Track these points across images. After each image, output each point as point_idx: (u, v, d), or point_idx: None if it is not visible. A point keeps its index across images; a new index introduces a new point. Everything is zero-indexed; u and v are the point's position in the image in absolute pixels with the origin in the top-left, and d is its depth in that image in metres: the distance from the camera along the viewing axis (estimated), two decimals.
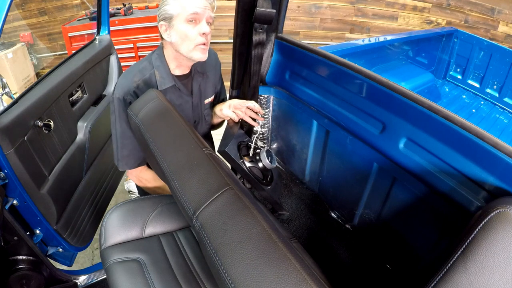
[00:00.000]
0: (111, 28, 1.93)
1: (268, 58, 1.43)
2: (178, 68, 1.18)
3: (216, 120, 1.42)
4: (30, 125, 1.16)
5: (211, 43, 1.13)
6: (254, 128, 1.48)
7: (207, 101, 1.31)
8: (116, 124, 1.17)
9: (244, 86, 1.38)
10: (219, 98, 1.42)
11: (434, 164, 0.94)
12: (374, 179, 1.20)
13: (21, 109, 1.12)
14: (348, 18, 3.43)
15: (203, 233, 0.63)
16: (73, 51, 1.62)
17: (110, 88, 1.82)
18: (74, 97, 1.52)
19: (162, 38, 1.13)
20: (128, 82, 1.12)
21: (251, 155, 1.27)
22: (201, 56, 1.10)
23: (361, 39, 2.61)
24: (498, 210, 0.65)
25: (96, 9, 1.77)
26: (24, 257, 1.15)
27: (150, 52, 1.21)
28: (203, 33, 1.07)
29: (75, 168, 1.46)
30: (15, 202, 1.11)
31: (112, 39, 1.84)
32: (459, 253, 0.64)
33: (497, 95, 2.67)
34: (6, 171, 1.04)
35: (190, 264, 1.05)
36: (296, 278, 0.51)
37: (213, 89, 1.32)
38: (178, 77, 1.19)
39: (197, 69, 1.22)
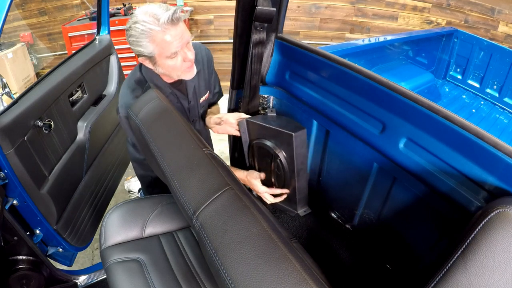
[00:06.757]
0: (111, 28, 1.93)
1: (268, 58, 1.42)
2: (169, 80, 1.21)
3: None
4: (30, 125, 1.16)
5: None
6: None
7: (202, 99, 1.33)
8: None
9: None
10: (213, 92, 1.43)
11: (434, 164, 0.94)
12: (374, 179, 1.20)
13: (21, 109, 1.12)
14: (348, 18, 3.43)
15: (203, 233, 0.63)
16: (73, 51, 1.62)
17: (110, 88, 1.82)
18: (74, 97, 1.53)
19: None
20: (129, 99, 1.13)
21: None
22: (190, 75, 1.15)
23: (361, 39, 2.61)
24: (498, 210, 0.65)
25: (96, 9, 1.77)
26: (24, 257, 1.15)
27: (134, 68, 1.22)
28: (188, 59, 1.09)
29: (75, 168, 1.46)
30: (15, 202, 1.11)
31: (112, 39, 1.84)
32: (459, 253, 0.63)
33: (497, 95, 2.67)
34: (6, 171, 1.04)
35: (190, 264, 1.05)
36: (296, 278, 0.51)
37: (206, 84, 1.34)
38: (172, 84, 1.22)
39: None
